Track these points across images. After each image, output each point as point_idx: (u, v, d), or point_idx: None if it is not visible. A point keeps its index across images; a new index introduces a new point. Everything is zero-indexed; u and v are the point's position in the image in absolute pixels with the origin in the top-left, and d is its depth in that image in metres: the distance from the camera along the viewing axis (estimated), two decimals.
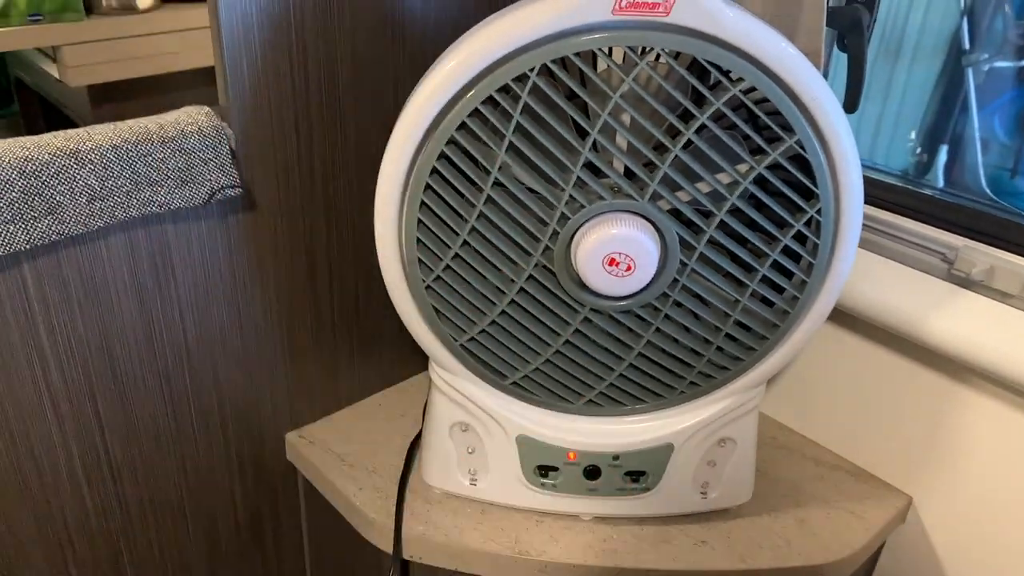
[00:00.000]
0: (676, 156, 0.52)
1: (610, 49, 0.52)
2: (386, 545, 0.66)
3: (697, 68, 0.52)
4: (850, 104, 0.64)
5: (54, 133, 0.54)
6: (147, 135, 0.55)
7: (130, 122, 0.56)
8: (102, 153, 0.53)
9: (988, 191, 0.98)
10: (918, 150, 0.99)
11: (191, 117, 0.57)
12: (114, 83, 1.34)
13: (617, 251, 0.53)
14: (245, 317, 0.66)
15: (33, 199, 0.51)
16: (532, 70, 0.50)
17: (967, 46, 0.99)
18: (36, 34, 1.18)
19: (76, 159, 0.53)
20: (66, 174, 0.52)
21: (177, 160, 0.56)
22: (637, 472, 0.65)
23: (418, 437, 0.74)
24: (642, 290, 0.56)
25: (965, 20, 1.00)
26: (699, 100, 0.52)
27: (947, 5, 1.00)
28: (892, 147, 1.00)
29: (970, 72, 0.99)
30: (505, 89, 0.51)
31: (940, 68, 0.99)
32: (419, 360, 0.83)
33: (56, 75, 1.29)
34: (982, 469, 0.67)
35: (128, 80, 1.34)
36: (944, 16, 1.00)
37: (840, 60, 0.68)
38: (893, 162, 1.01)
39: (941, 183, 0.98)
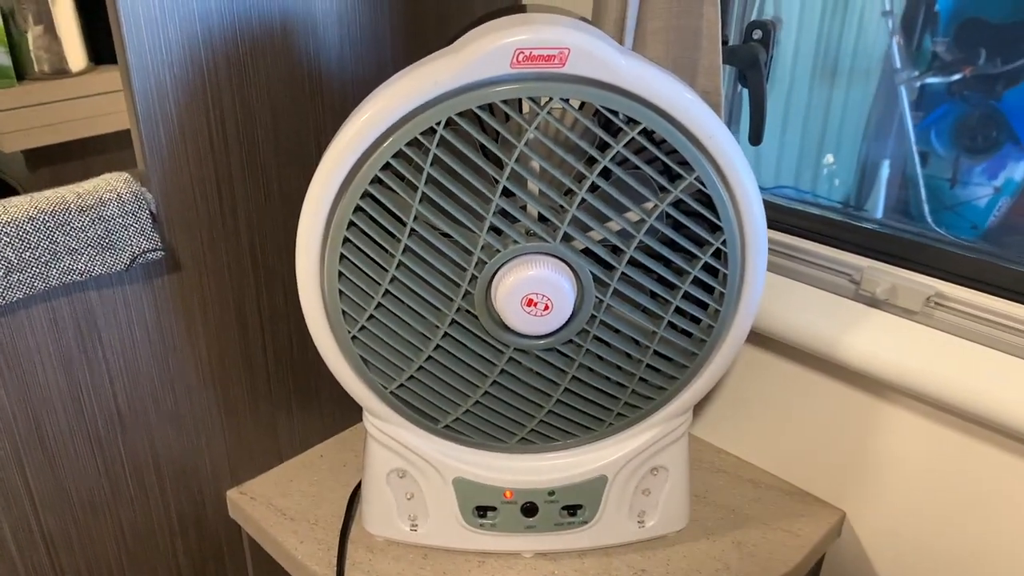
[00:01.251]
0: (583, 199, 0.54)
1: (519, 101, 0.54)
2: None
3: (603, 115, 0.54)
4: (754, 136, 0.67)
5: None
6: (64, 205, 0.56)
7: (47, 192, 0.57)
8: (18, 226, 0.54)
9: (926, 205, 1.02)
10: (860, 167, 1.02)
11: (109, 184, 0.58)
12: (51, 146, 1.34)
13: (533, 292, 0.55)
14: (177, 377, 0.67)
15: None
16: (439, 124, 0.52)
17: (898, 65, 1.03)
18: None
19: None
20: None
21: (96, 228, 0.57)
22: (574, 506, 0.66)
23: (358, 486, 0.74)
24: (561, 328, 0.58)
25: (895, 40, 1.04)
26: (607, 145, 0.54)
27: (877, 27, 1.04)
28: (836, 166, 1.03)
29: (903, 89, 1.03)
30: (415, 142, 0.53)
31: (876, 88, 1.03)
32: (359, 409, 0.83)
33: None
34: (908, 479, 0.69)
35: (65, 142, 1.34)
36: (875, 38, 1.04)
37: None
38: (836, 180, 1.04)
39: (883, 197, 1.02)
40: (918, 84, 1.04)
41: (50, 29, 1.24)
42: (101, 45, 1.29)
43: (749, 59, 0.65)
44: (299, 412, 0.77)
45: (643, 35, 0.66)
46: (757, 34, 0.66)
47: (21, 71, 1.20)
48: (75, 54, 1.25)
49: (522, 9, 0.57)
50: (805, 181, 1.01)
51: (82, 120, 1.31)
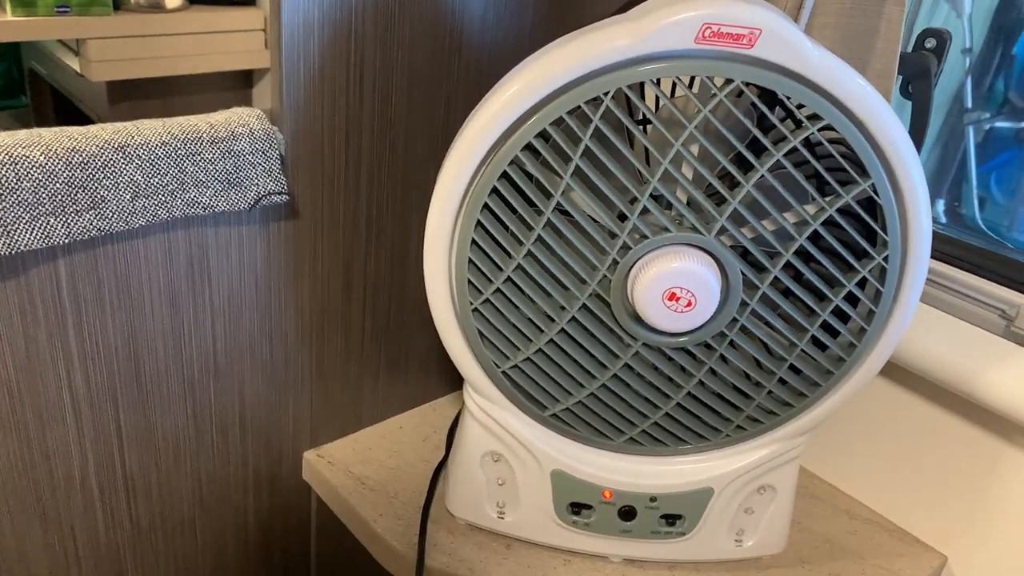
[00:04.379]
0: (747, 191, 0.50)
1: (692, 79, 0.51)
2: (405, 575, 0.63)
3: (765, 101, 0.50)
4: None
5: (101, 125, 0.52)
6: (197, 134, 0.53)
7: (179, 119, 0.54)
8: (150, 149, 0.51)
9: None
10: None
11: (241, 119, 0.56)
12: (133, 81, 1.32)
13: (678, 285, 0.51)
14: (276, 329, 0.64)
15: (77, 192, 0.49)
16: (607, 94, 0.49)
17: (969, 104, 0.99)
18: (62, 26, 1.16)
19: (123, 153, 0.50)
20: (112, 168, 0.50)
21: (226, 162, 0.54)
22: (674, 515, 0.62)
23: (442, 463, 0.71)
24: (699, 327, 0.54)
25: (969, 79, 1.01)
26: (761, 133, 0.51)
27: (952, 64, 1.00)
28: None
29: (971, 130, 0.99)
30: (574, 112, 0.49)
31: (942, 124, 1.00)
32: (444, 383, 0.80)
33: (77, 68, 1.27)
34: (1023, 532, 0.65)
35: (146, 79, 1.32)
36: (949, 74, 1.00)
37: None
38: None
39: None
40: (987, 127, 0.99)
41: None
42: None
43: (919, 68, 0.61)
44: (385, 380, 0.74)
45: (808, 30, 0.62)
46: (930, 43, 0.61)
47: (118, 0, 1.18)
48: None
49: None
50: None
51: (171, 58, 1.29)
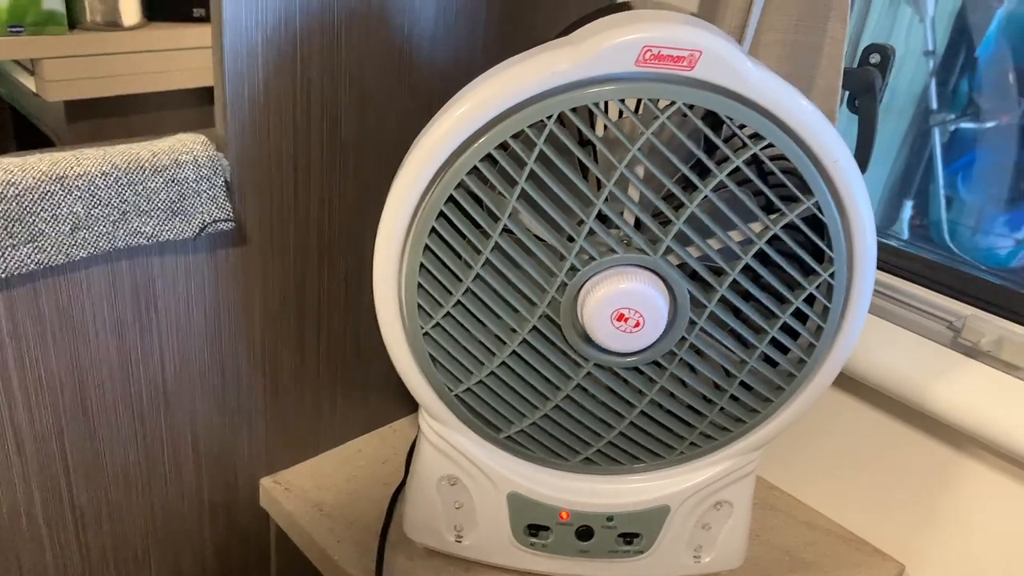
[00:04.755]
0: (692, 212, 0.51)
1: (638, 101, 0.51)
2: None
3: (708, 122, 0.51)
4: (860, 166, 0.64)
5: (39, 156, 0.51)
6: (139, 163, 0.52)
7: (121, 147, 0.53)
8: (90, 180, 0.51)
9: (952, 247, 1.00)
10: (884, 204, 1.00)
11: (186, 146, 0.55)
12: (92, 99, 1.30)
13: (627, 306, 0.52)
14: (227, 356, 0.63)
15: (13, 225, 0.48)
16: (549, 117, 0.49)
17: (934, 106, 1.01)
18: (16, 45, 1.14)
19: (62, 185, 0.50)
20: (50, 200, 0.49)
21: (169, 191, 0.54)
22: (631, 534, 0.62)
23: (400, 488, 0.71)
24: (649, 347, 0.54)
25: (933, 81, 1.02)
26: (708, 154, 0.51)
27: (916, 66, 1.02)
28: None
29: (936, 131, 1.01)
30: (520, 135, 0.49)
31: (908, 126, 1.01)
32: (402, 406, 0.80)
33: (33, 88, 1.25)
34: (978, 540, 0.65)
35: (106, 97, 1.30)
36: (914, 77, 1.02)
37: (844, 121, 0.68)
38: None
39: (906, 236, 1.00)
40: (952, 128, 1.01)
41: None
42: (155, 1, 1.26)
43: (864, 84, 0.62)
44: (342, 404, 0.74)
45: (755, 47, 0.62)
46: (875, 58, 0.62)
47: (73, 19, 1.17)
48: (129, 7, 1.22)
49: (627, 7, 0.54)
50: None
51: (128, 76, 1.27)
